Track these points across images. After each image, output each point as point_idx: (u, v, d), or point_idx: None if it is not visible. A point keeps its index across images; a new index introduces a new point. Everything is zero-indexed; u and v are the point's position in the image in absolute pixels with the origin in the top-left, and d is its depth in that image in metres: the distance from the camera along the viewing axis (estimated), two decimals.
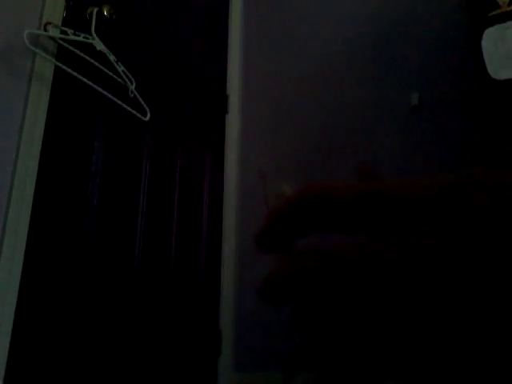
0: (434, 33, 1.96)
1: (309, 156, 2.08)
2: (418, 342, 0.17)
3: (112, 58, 1.61)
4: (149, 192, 1.77)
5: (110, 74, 1.64)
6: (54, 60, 1.45)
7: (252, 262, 2.07)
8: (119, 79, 1.67)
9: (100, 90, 1.54)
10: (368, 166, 0.23)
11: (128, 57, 1.76)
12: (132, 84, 1.71)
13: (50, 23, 1.46)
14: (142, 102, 1.73)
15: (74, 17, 1.58)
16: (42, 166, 1.39)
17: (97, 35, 1.54)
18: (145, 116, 1.73)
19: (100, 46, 1.55)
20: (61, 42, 1.49)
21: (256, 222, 2.16)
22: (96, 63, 1.58)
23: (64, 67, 1.45)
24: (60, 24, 1.52)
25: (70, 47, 1.51)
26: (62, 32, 1.49)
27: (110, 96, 1.58)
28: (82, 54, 1.54)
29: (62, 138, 1.49)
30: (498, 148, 1.38)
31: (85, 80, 1.49)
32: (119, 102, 1.62)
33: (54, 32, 1.47)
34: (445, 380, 0.16)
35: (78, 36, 1.51)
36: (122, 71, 1.66)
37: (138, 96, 1.71)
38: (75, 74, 1.47)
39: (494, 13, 1.49)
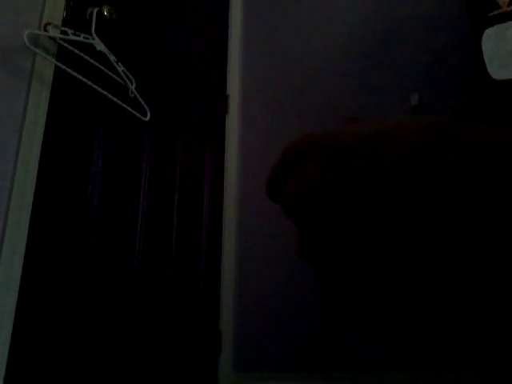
0: (434, 33, 1.95)
1: None
2: None
3: (112, 58, 1.61)
4: (149, 192, 1.77)
5: (110, 74, 1.64)
6: (54, 60, 1.45)
7: (252, 261, 2.07)
8: (119, 79, 1.67)
9: (100, 90, 1.54)
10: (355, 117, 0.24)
11: (128, 57, 1.76)
12: (132, 84, 1.71)
13: (50, 23, 1.46)
14: (142, 102, 1.73)
15: (74, 17, 1.58)
16: (42, 165, 1.39)
17: (97, 35, 1.54)
18: (145, 116, 1.73)
19: (100, 46, 1.55)
20: (61, 42, 1.49)
21: (256, 221, 2.16)
22: (96, 63, 1.58)
23: (64, 67, 1.45)
24: (60, 24, 1.52)
25: (70, 47, 1.51)
26: (62, 32, 1.49)
27: (110, 96, 1.58)
28: (81, 54, 1.54)
29: (63, 138, 1.49)
30: None
31: (85, 80, 1.49)
32: (119, 102, 1.62)
33: (53, 32, 1.47)
34: None
35: (78, 36, 1.51)
36: (122, 71, 1.66)
37: (138, 96, 1.71)
38: (75, 74, 1.47)
39: (494, 13, 1.48)
